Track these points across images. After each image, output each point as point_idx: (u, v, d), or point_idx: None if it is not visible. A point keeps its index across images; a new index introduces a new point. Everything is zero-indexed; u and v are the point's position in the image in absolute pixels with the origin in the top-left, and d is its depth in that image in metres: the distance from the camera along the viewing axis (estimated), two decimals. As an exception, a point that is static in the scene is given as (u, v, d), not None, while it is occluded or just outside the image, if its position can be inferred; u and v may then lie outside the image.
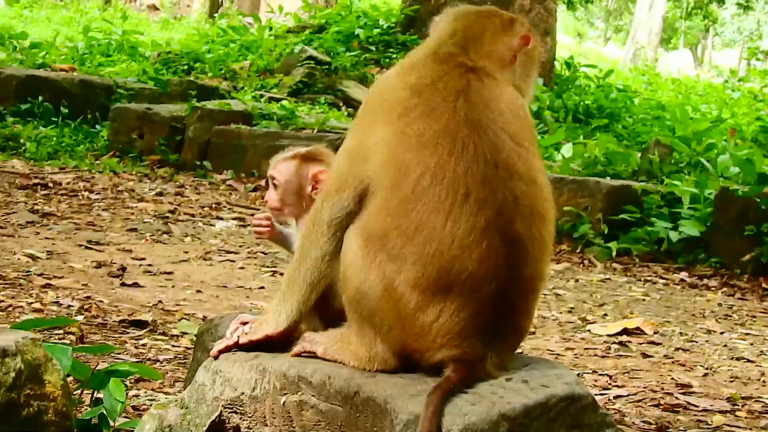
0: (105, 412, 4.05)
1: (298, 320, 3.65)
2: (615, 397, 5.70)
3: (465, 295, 3.36)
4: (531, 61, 3.83)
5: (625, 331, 7.35)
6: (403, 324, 3.40)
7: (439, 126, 3.43)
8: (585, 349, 6.84)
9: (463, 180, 3.37)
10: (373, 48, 18.97)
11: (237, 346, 3.70)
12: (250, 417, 3.59)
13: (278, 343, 3.66)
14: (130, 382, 5.01)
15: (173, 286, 7.53)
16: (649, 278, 9.86)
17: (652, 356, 6.77)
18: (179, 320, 6.50)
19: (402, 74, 3.61)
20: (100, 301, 6.69)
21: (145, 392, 5.00)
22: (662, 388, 5.95)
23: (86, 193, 11.11)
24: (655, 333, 7.42)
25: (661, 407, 5.60)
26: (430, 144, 3.40)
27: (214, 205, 11.46)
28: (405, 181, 3.38)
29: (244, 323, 3.75)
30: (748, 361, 6.89)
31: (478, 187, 3.37)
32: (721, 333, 7.71)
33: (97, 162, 13.36)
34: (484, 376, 3.40)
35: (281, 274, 6.69)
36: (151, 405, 4.03)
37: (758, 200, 10.17)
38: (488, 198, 3.37)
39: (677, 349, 7.03)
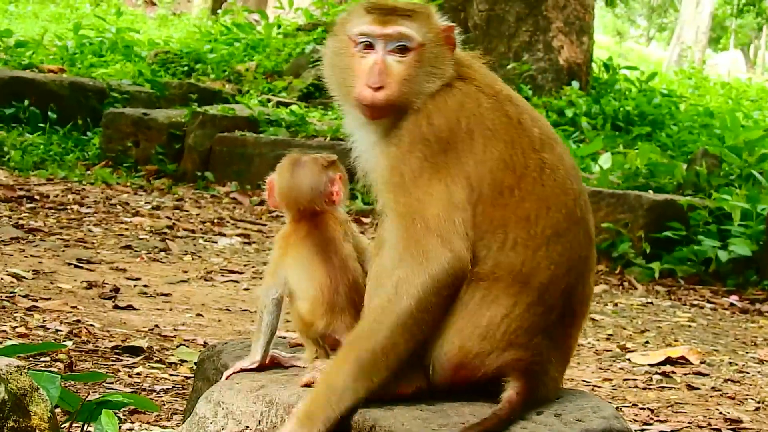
0: (96, 447, 4.06)
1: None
2: (657, 434, 5.70)
3: (540, 293, 3.45)
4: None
5: (668, 361, 7.34)
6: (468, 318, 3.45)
7: (528, 149, 3.56)
8: (624, 380, 6.83)
9: (566, 203, 3.56)
10: (392, 48, 18.94)
11: None
12: (255, 453, 3.60)
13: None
14: (124, 414, 5.03)
15: (171, 309, 7.54)
16: (695, 302, 9.84)
17: (698, 388, 6.76)
18: (177, 346, 6.51)
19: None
20: (91, 326, 6.71)
21: (140, 425, 5.01)
22: (709, 424, 5.93)
23: (76, 207, 11.15)
24: (701, 363, 7.41)
25: (708, 444, 5.60)
26: (533, 170, 3.54)
27: (216, 220, 11.48)
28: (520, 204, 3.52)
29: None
30: (805, 394, 6.88)
31: (573, 209, 3.59)
32: (775, 363, 7.71)
33: (88, 172, 13.41)
34: (544, 393, 3.47)
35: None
36: (146, 439, 4.05)
37: (816, 217, 10.16)
38: (580, 221, 3.58)
39: (726, 381, 7.02)
